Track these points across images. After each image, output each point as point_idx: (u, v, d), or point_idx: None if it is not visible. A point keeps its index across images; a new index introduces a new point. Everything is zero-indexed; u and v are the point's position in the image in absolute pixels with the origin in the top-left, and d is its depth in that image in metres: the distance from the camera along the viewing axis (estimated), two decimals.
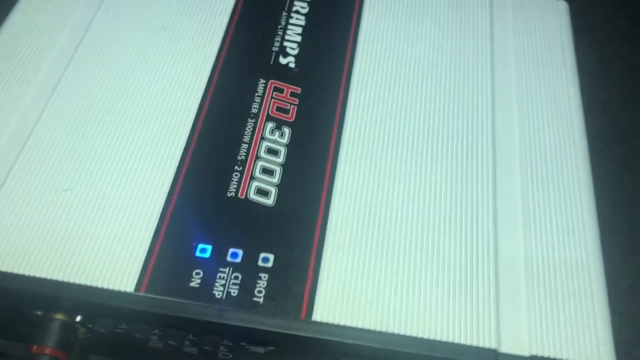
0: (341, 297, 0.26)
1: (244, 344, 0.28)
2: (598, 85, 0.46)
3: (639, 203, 0.42)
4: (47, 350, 0.27)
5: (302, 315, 0.26)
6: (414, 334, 0.26)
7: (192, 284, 0.26)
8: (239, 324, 0.26)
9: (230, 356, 0.29)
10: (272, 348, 0.28)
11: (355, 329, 0.26)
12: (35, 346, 0.27)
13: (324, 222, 0.28)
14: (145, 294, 0.26)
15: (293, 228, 0.28)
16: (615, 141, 0.44)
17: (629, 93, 0.46)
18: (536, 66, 0.34)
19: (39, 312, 0.28)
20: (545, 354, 0.26)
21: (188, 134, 0.30)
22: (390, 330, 0.26)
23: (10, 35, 0.33)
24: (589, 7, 0.46)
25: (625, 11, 0.49)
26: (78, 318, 0.28)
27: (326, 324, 0.26)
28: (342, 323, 0.26)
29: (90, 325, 0.28)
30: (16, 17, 0.34)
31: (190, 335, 0.28)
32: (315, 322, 0.26)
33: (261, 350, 0.28)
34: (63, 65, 0.32)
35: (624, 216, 0.41)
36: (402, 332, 0.26)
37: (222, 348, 0.29)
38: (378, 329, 0.26)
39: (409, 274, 0.27)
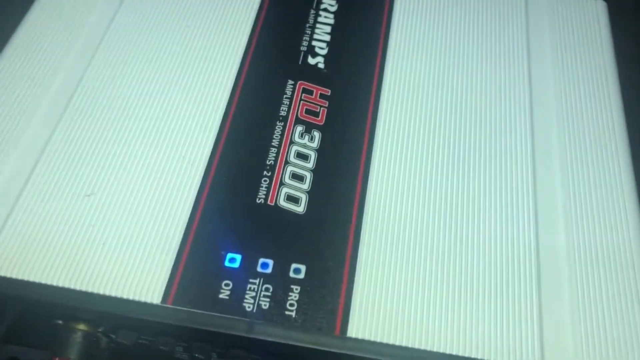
0: (376, 312, 0.25)
1: (272, 359, 0.27)
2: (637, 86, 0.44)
3: None
4: None
5: (337, 331, 0.25)
6: (453, 352, 0.24)
7: (221, 296, 0.25)
8: (270, 338, 0.24)
9: None
10: None
11: (392, 346, 0.25)
12: (57, 358, 0.26)
13: (356, 231, 0.27)
14: (172, 306, 0.25)
15: (325, 237, 0.27)
16: None
17: None
18: (574, 66, 0.33)
19: (60, 322, 0.27)
20: None
21: (215, 137, 0.29)
22: (427, 348, 0.24)
23: (29, 34, 0.32)
24: (628, 8, 0.44)
25: None
26: (101, 329, 0.27)
27: (361, 340, 0.25)
28: (377, 340, 0.25)
29: (113, 336, 0.27)
30: (34, 15, 0.33)
31: (217, 349, 0.27)
32: (350, 339, 0.25)
33: None
34: (83, 67, 0.31)
35: None
36: (439, 350, 0.24)
37: None
38: (416, 346, 0.25)
39: (446, 288, 0.26)
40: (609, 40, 0.34)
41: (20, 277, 0.25)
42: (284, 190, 0.28)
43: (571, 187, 0.29)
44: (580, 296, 0.26)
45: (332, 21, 0.34)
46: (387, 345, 0.24)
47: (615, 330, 0.25)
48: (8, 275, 0.25)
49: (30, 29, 0.32)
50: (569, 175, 0.29)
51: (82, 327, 0.26)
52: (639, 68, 0.45)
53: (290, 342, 0.24)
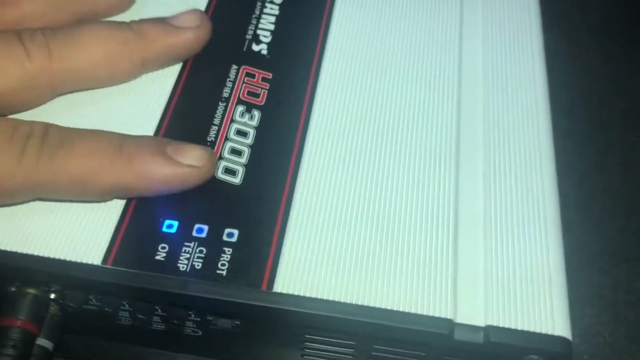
0: (302, 269, 0.27)
1: (210, 318, 0.29)
2: (578, 74, 0.46)
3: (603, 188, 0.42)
4: (18, 323, 0.28)
5: (264, 287, 0.27)
6: (371, 304, 0.26)
7: (157, 257, 0.27)
8: (201, 294, 0.26)
9: (200, 333, 0.30)
10: (238, 322, 0.28)
11: (315, 300, 0.26)
12: (5, 319, 0.28)
13: (288, 199, 0.29)
14: (111, 267, 0.27)
15: (258, 205, 0.29)
16: (596, 129, 0.45)
17: (603, 83, 0.47)
18: (503, 45, 0.35)
19: (13, 289, 0.28)
20: (501, 324, 0.26)
21: (160, 116, 0.31)
22: (348, 301, 0.26)
23: None
24: None
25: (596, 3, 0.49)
26: (51, 295, 0.28)
27: (286, 295, 0.26)
28: (302, 294, 0.26)
29: (61, 301, 0.29)
30: None
31: (159, 310, 0.28)
32: (276, 293, 0.26)
33: (228, 325, 0.29)
34: None
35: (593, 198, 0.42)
36: (360, 302, 0.26)
37: (190, 324, 0.29)
38: (337, 299, 0.26)
39: (369, 246, 0.28)
40: (538, 20, 0.36)
41: None
42: (223, 164, 0.30)
43: (491, 148, 0.31)
44: (494, 265, 0.28)
45: (277, 12, 0.36)
46: (310, 299, 0.26)
47: (525, 297, 0.27)
48: None
49: None
50: (490, 137, 0.31)
51: (31, 290, 0.28)
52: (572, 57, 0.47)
53: (221, 298, 0.26)
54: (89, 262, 0.27)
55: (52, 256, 0.27)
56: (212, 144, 0.30)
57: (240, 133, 0.31)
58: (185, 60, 0.33)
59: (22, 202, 0.28)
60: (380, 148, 0.31)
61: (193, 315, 0.29)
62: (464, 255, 0.28)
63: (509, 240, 0.28)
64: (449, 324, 0.26)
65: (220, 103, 0.32)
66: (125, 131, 0.30)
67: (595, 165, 0.43)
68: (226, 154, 0.30)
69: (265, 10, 0.36)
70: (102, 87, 0.31)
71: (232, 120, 0.31)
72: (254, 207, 0.29)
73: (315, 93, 0.33)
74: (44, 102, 0.30)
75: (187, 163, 0.28)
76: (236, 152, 0.30)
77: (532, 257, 0.28)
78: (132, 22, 0.31)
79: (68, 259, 0.27)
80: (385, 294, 0.27)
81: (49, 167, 0.26)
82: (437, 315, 0.26)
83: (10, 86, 0.28)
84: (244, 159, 0.30)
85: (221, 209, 0.29)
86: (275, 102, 0.32)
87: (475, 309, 0.27)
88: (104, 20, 0.32)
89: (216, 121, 0.31)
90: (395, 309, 0.26)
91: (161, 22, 0.32)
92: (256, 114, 0.32)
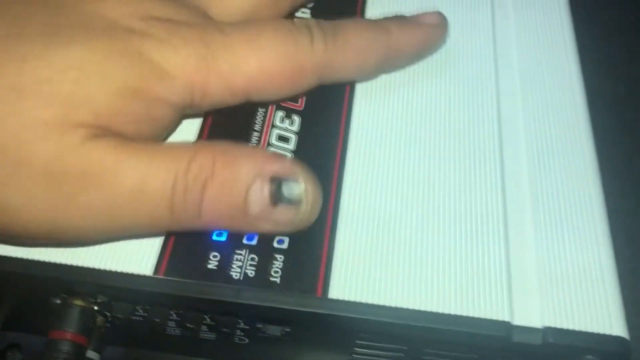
0: (356, 274, 0.27)
1: (260, 325, 0.28)
2: (603, 76, 0.46)
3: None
4: (68, 336, 0.27)
5: (319, 293, 0.26)
6: (427, 309, 0.26)
7: (209, 266, 0.27)
8: (257, 302, 0.26)
9: (247, 341, 0.30)
10: (289, 329, 0.28)
11: (371, 305, 0.26)
12: (55, 332, 0.27)
13: (336, 203, 0.29)
14: (164, 277, 0.27)
15: None
16: (621, 130, 0.45)
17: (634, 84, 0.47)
18: (538, 53, 0.35)
19: (58, 301, 0.28)
20: (558, 325, 0.26)
21: (200, 125, 0.31)
22: (404, 306, 0.26)
23: None
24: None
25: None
26: (96, 307, 0.28)
27: (341, 301, 0.26)
28: (357, 300, 0.26)
29: (108, 313, 0.28)
30: None
31: (208, 319, 0.28)
32: (331, 300, 0.26)
33: (277, 332, 0.29)
34: None
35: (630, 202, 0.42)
36: (415, 307, 0.26)
37: (238, 332, 0.29)
38: (393, 304, 0.26)
39: (421, 249, 0.28)
40: (570, 23, 0.36)
41: (13, 254, 0.27)
42: None
43: (538, 178, 0.31)
44: (547, 259, 0.28)
45: (309, 15, 0.36)
46: (366, 305, 0.26)
47: (580, 297, 0.27)
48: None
49: None
50: (533, 139, 0.31)
51: (78, 302, 0.28)
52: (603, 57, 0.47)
53: (275, 305, 0.26)
54: (140, 272, 0.27)
55: (101, 267, 0.27)
56: None
57: (282, 139, 0.31)
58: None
59: (302, 92, 0.31)
60: (426, 149, 0.31)
61: (242, 324, 0.29)
62: (516, 256, 0.28)
63: (559, 240, 0.28)
64: (507, 326, 0.26)
65: (259, 109, 0.32)
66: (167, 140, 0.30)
67: (623, 166, 0.43)
68: None
69: (297, 15, 0.36)
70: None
71: (273, 126, 0.31)
72: None
73: (354, 94, 0.33)
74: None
75: (428, 23, 0.32)
76: None
77: (583, 256, 0.28)
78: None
79: (118, 270, 0.27)
80: (441, 297, 0.26)
81: (335, 47, 0.29)
82: (494, 318, 0.26)
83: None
84: None
85: None
86: (314, 106, 0.32)
87: (532, 310, 0.26)
88: None
89: (257, 127, 0.31)
90: (451, 312, 0.26)
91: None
92: (296, 119, 0.32)
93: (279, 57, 0.29)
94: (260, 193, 0.26)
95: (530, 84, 0.34)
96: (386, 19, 0.32)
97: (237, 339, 0.30)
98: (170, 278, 0.27)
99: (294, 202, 0.26)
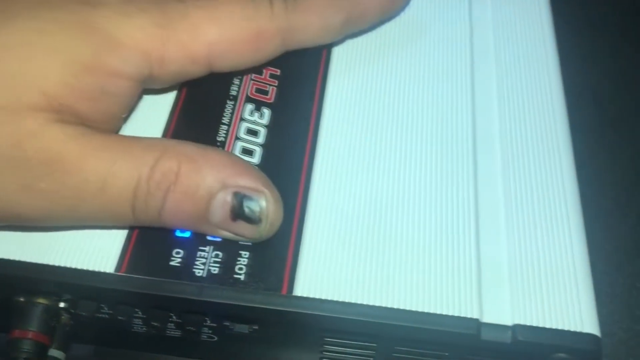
0: (322, 271, 0.26)
1: (227, 323, 0.28)
2: (586, 72, 0.46)
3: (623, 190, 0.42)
4: (30, 335, 0.27)
5: (284, 291, 0.26)
6: (395, 306, 0.26)
7: (172, 263, 0.26)
8: (220, 300, 0.26)
9: (215, 338, 0.29)
10: (256, 327, 0.28)
11: (336, 303, 0.26)
12: (16, 331, 0.27)
13: (304, 199, 0.28)
14: (125, 274, 0.26)
15: None
16: (605, 126, 0.44)
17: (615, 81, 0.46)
18: (516, 46, 0.34)
19: (22, 299, 0.27)
20: (528, 323, 0.25)
21: (167, 117, 0.30)
22: (370, 303, 0.26)
23: None
24: None
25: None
26: (62, 304, 0.28)
27: (307, 299, 0.26)
28: (323, 297, 0.26)
29: (72, 310, 0.28)
30: None
31: (174, 316, 0.28)
32: (297, 297, 0.26)
33: (245, 330, 0.28)
34: None
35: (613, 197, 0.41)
36: (383, 304, 0.26)
37: (206, 329, 0.29)
38: (359, 302, 0.26)
39: (390, 246, 0.27)
40: (549, 17, 0.36)
41: None
42: None
43: (510, 147, 0.30)
44: (518, 262, 0.27)
45: None
46: (332, 302, 0.26)
47: (552, 295, 0.26)
48: None
49: None
50: (507, 134, 0.31)
51: (41, 300, 0.27)
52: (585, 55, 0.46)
53: (239, 303, 0.26)
54: (101, 270, 0.26)
55: (63, 265, 0.26)
56: (222, 144, 0.30)
57: (250, 132, 0.30)
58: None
59: (268, 60, 0.30)
60: (397, 144, 0.30)
61: (209, 321, 0.28)
62: (487, 252, 0.27)
63: (531, 236, 0.28)
64: (476, 323, 0.25)
65: (228, 101, 0.31)
66: (132, 132, 0.29)
67: (607, 161, 0.42)
68: (238, 154, 0.29)
69: None
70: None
71: (242, 119, 0.30)
72: None
73: (325, 88, 0.32)
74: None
75: None
76: (248, 151, 0.30)
77: (556, 253, 0.27)
78: None
79: (79, 267, 0.26)
80: (409, 295, 0.26)
81: (296, 8, 0.29)
82: (462, 315, 0.25)
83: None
84: (256, 159, 0.29)
85: None
86: (284, 99, 0.31)
87: (502, 307, 0.26)
88: None
89: (225, 120, 0.30)
90: (419, 310, 0.26)
91: None
92: (266, 111, 0.31)
93: (239, 22, 0.28)
94: (221, 206, 0.25)
95: (507, 77, 0.33)
96: None
97: (205, 337, 0.29)
98: (132, 275, 0.26)
99: (253, 221, 0.25)
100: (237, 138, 0.30)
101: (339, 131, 0.31)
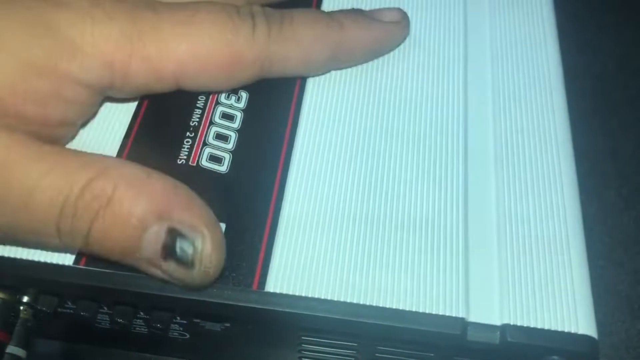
0: (297, 267, 0.25)
1: (197, 320, 0.26)
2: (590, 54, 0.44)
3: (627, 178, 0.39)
4: None
5: (254, 286, 0.24)
6: (374, 303, 0.24)
7: None
8: (184, 296, 0.24)
9: (187, 335, 0.28)
10: (228, 325, 0.26)
11: (311, 299, 0.24)
12: None
13: (280, 190, 0.26)
14: (85, 267, 0.24)
15: (247, 196, 0.26)
16: (610, 111, 0.42)
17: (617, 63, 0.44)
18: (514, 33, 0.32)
19: None
20: (519, 323, 0.24)
21: (141, 98, 0.28)
22: (348, 300, 0.24)
23: None
24: None
25: None
26: (21, 301, 0.26)
27: (280, 295, 0.24)
28: (297, 293, 0.24)
29: (34, 305, 0.26)
30: None
31: (141, 313, 0.26)
32: (268, 293, 0.24)
33: (217, 327, 0.26)
34: None
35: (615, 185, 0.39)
36: (362, 302, 0.24)
37: (176, 326, 0.27)
38: (336, 298, 0.24)
39: (372, 240, 0.25)
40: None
41: None
42: (207, 150, 0.27)
43: (503, 135, 0.28)
44: (510, 257, 0.25)
45: None
46: (306, 299, 0.24)
47: (546, 292, 0.24)
48: None
49: None
50: (502, 127, 0.29)
51: (1, 295, 0.26)
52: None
53: (207, 299, 0.24)
54: (60, 262, 0.24)
55: (20, 257, 0.24)
56: (196, 129, 0.28)
57: (226, 116, 0.28)
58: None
59: (242, 86, 0.28)
60: (383, 131, 0.28)
61: (178, 318, 0.26)
62: (476, 248, 0.25)
63: (525, 232, 0.26)
64: (461, 323, 0.23)
65: None
66: (107, 107, 0.28)
67: (609, 151, 0.40)
68: (211, 140, 0.27)
69: None
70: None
71: (218, 103, 0.29)
72: (242, 198, 0.26)
73: None
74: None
75: (387, 20, 0.29)
76: (222, 137, 0.28)
77: (551, 249, 0.25)
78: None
79: (38, 259, 0.24)
80: (390, 292, 0.24)
81: (279, 38, 0.27)
82: (448, 314, 0.24)
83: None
84: (230, 145, 0.27)
85: (206, 201, 0.26)
86: (264, 82, 0.29)
87: (490, 306, 0.24)
88: None
89: (200, 104, 0.28)
90: (401, 308, 0.24)
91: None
92: (243, 95, 0.29)
93: (215, 43, 0.26)
94: (154, 240, 0.22)
95: (502, 65, 0.31)
96: (341, 11, 0.29)
97: (176, 334, 0.28)
98: (91, 268, 0.24)
99: (185, 263, 0.22)
100: (212, 123, 0.28)
101: (321, 118, 0.29)
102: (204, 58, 0.26)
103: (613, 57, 0.44)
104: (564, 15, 0.35)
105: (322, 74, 0.30)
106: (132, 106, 0.28)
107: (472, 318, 0.24)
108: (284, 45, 0.27)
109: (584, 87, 0.42)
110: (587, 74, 0.43)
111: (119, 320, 0.26)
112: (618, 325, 0.35)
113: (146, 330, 0.27)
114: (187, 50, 0.25)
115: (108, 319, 0.27)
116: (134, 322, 0.27)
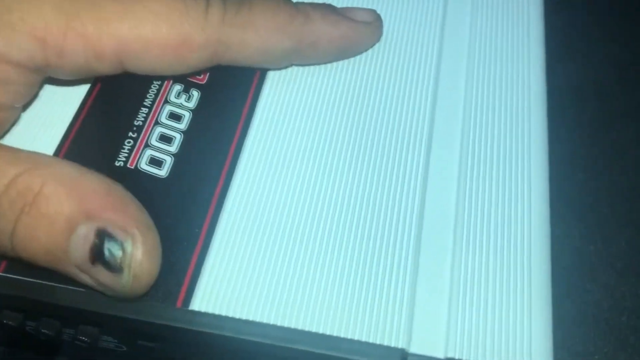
0: (227, 285, 0.23)
1: (124, 335, 0.24)
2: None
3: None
4: None
5: (179, 303, 0.22)
6: (308, 329, 0.22)
7: None
8: (100, 310, 0.22)
9: (124, 348, 0.26)
10: (156, 343, 0.24)
11: (239, 321, 0.22)
12: None
13: (219, 201, 0.24)
14: (3, 274, 0.23)
15: (183, 204, 0.24)
16: (601, 127, 0.39)
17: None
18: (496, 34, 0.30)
19: None
20: (464, 357, 0.21)
21: (86, 94, 0.27)
22: (280, 324, 0.22)
23: None
24: None
25: None
26: None
27: (205, 314, 0.22)
28: (223, 313, 0.22)
29: None
30: None
31: (67, 326, 0.24)
32: (192, 312, 0.22)
33: (150, 344, 0.24)
34: None
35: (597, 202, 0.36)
36: (294, 326, 0.22)
37: (109, 339, 0.25)
38: (266, 321, 0.22)
39: (310, 260, 0.23)
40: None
41: None
42: (148, 152, 0.25)
43: (470, 146, 0.26)
44: (462, 285, 0.23)
45: None
46: (233, 320, 0.22)
47: (499, 324, 0.22)
48: None
49: None
50: (469, 130, 0.26)
51: None
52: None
53: (124, 315, 0.22)
54: None
55: None
56: (139, 128, 0.26)
57: (173, 116, 0.26)
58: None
59: (195, 71, 0.26)
60: (340, 140, 0.26)
61: (108, 333, 0.24)
62: (427, 275, 0.23)
63: (482, 261, 0.23)
64: (401, 354, 0.21)
65: (154, 81, 0.27)
66: (51, 101, 0.26)
67: (600, 166, 0.37)
68: (154, 141, 0.26)
69: None
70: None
71: (167, 101, 0.27)
72: (178, 206, 0.24)
73: (265, 75, 0.28)
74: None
75: (358, 19, 0.27)
76: (166, 138, 0.26)
77: (509, 276, 0.23)
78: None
79: None
80: (325, 317, 0.22)
81: (236, 21, 0.25)
82: (386, 343, 0.21)
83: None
84: (173, 148, 0.26)
85: None
86: (219, 81, 0.28)
87: (435, 338, 0.22)
88: None
89: (147, 102, 0.27)
90: (334, 334, 0.22)
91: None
92: (195, 94, 0.27)
93: (161, 22, 0.24)
94: (82, 242, 0.20)
95: (477, 71, 0.29)
96: (310, 4, 0.27)
97: (113, 346, 0.26)
98: (9, 276, 0.23)
99: (112, 268, 0.21)
100: (157, 122, 0.26)
101: (274, 124, 0.27)
102: (148, 38, 0.24)
103: (601, 73, 0.41)
104: (562, 22, 0.33)
105: (284, 67, 0.28)
106: (77, 101, 0.27)
107: (414, 349, 0.21)
108: (241, 30, 0.25)
109: (569, 102, 0.39)
110: (587, 82, 0.40)
111: (44, 331, 0.24)
112: (601, 355, 0.32)
113: (77, 342, 0.26)
114: (129, 28, 0.24)
115: (33, 329, 0.25)
116: (62, 332, 0.25)
